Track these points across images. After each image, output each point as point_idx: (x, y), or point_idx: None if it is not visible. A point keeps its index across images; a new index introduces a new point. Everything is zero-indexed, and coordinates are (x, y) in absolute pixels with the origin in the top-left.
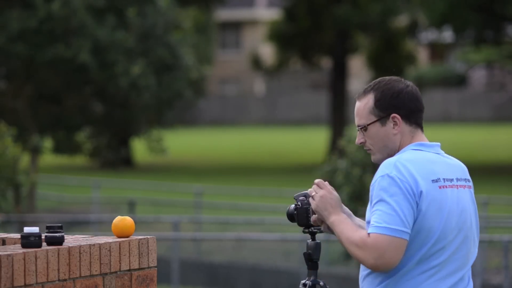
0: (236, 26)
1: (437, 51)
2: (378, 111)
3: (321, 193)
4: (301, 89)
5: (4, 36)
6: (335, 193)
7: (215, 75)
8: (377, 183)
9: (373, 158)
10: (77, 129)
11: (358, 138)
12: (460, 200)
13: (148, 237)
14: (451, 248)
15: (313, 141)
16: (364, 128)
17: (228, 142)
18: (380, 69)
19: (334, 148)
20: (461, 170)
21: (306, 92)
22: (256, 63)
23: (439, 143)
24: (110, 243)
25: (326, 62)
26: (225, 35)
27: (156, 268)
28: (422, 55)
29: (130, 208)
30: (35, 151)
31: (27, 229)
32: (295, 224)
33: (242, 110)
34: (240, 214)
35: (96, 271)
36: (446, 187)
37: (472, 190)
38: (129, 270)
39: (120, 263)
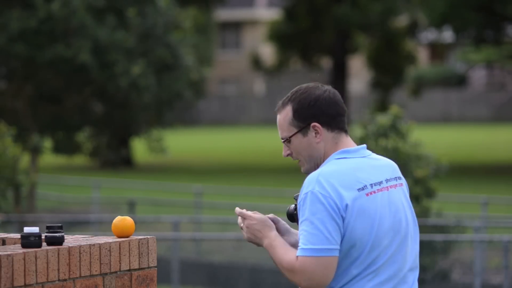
0: (236, 26)
1: (437, 51)
2: (298, 122)
3: (245, 223)
4: None
5: (4, 36)
6: (257, 216)
7: (215, 75)
8: (302, 201)
9: (303, 169)
10: (77, 129)
11: (284, 151)
12: (393, 201)
13: (148, 237)
14: (387, 253)
15: None
16: (287, 141)
17: (228, 142)
18: (380, 69)
19: None
20: (390, 169)
21: None
22: (256, 63)
23: (364, 145)
24: (110, 243)
25: (326, 62)
26: (225, 35)
27: (156, 268)
28: (422, 55)
29: (130, 208)
30: (35, 151)
31: (27, 229)
32: (295, 224)
33: (242, 110)
34: None
35: (96, 271)
36: (374, 192)
37: (404, 187)
38: (129, 270)
39: (120, 263)
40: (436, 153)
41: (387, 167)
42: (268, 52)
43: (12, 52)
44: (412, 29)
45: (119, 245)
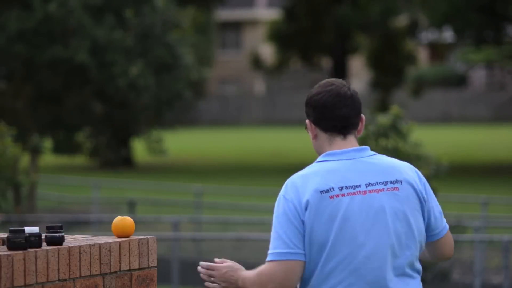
0: (236, 26)
1: (437, 51)
2: (306, 115)
3: (216, 275)
4: (301, 89)
5: (3, 37)
6: (224, 264)
7: (215, 75)
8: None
9: None
10: (77, 129)
11: None
12: (371, 206)
13: (148, 237)
14: (356, 259)
15: None
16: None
17: (228, 142)
18: (380, 69)
19: None
20: (382, 173)
21: (306, 92)
22: (256, 63)
23: (362, 147)
24: (110, 243)
25: (326, 62)
26: (225, 35)
27: (156, 268)
28: (422, 55)
29: (130, 208)
30: (35, 151)
31: (27, 229)
32: None
33: (242, 110)
34: (240, 214)
35: (96, 271)
36: (343, 195)
37: (397, 192)
38: (129, 270)
39: (120, 263)
40: (436, 153)
41: (379, 170)
42: (268, 52)
43: (12, 52)
44: (412, 29)
45: (119, 245)
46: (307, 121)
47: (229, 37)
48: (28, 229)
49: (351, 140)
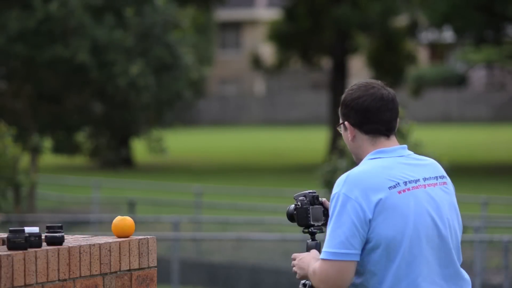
0: (236, 26)
1: (437, 51)
2: (340, 116)
3: (296, 266)
4: (301, 89)
5: (3, 37)
6: (305, 253)
7: (215, 75)
8: (330, 202)
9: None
10: (77, 129)
11: None
12: (433, 198)
13: (148, 237)
14: (426, 251)
15: (313, 141)
16: (339, 127)
17: (228, 142)
18: (380, 69)
19: (334, 148)
20: (431, 168)
21: (306, 92)
22: (256, 63)
23: (404, 146)
24: (110, 243)
25: (326, 62)
26: (225, 35)
27: (156, 268)
28: (422, 55)
29: (130, 208)
30: (35, 151)
31: (27, 229)
32: (295, 224)
33: (242, 110)
34: (240, 214)
35: (96, 271)
36: (408, 189)
37: (446, 186)
38: (129, 270)
39: (120, 263)
40: (436, 153)
41: (427, 166)
42: (268, 52)
43: (12, 52)
44: (412, 29)
45: (119, 245)
46: (345, 122)
47: (229, 37)
48: (28, 229)
49: (393, 139)
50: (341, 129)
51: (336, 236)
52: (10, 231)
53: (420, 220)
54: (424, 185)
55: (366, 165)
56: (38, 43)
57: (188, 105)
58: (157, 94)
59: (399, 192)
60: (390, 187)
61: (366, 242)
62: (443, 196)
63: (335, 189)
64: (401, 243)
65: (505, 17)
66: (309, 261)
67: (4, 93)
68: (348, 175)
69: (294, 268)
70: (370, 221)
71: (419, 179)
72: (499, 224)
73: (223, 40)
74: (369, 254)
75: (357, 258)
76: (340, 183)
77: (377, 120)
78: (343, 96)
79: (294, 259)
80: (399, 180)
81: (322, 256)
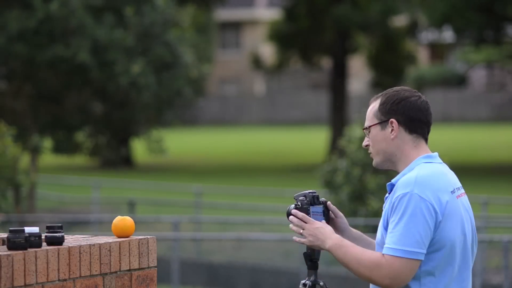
0: (236, 26)
1: (437, 51)
2: (380, 115)
3: (306, 227)
4: (301, 89)
5: (3, 36)
6: (315, 221)
7: (215, 75)
8: (397, 201)
9: (374, 162)
10: (77, 129)
11: (365, 141)
12: (468, 206)
13: (148, 237)
14: (469, 254)
15: (313, 141)
16: (367, 130)
17: (228, 142)
18: (380, 69)
19: (334, 148)
20: (457, 178)
21: (306, 92)
22: (256, 63)
23: (437, 153)
24: (110, 243)
25: (326, 62)
26: (225, 35)
27: (156, 268)
28: (422, 55)
29: (130, 208)
30: (35, 151)
31: (27, 229)
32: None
33: (242, 110)
34: (240, 214)
35: (96, 271)
36: (460, 196)
37: (466, 196)
38: (129, 270)
39: (120, 263)
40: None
41: (454, 175)
42: (268, 52)
43: (12, 52)
44: (412, 29)
45: (119, 245)
46: (391, 120)
47: (229, 37)
48: (28, 229)
49: (427, 146)
50: (370, 132)
51: (411, 235)
52: (10, 231)
53: (467, 227)
54: (462, 193)
55: (428, 168)
56: (39, 43)
57: (188, 105)
58: (157, 92)
59: (457, 197)
60: (451, 191)
61: (430, 242)
62: (469, 206)
63: (405, 189)
64: (458, 247)
65: (505, 17)
66: (329, 235)
67: (4, 93)
68: (417, 176)
69: (302, 231)
70: (440, 222)
71: (460, 187)
72: (499, 224)
73: (223, 40)
74: (431, 254)
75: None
76: (410, 182)
77: (426, 120)
78: (386, 96)
79: (304, 220)
80: (454, 186)
81: (396, 253)
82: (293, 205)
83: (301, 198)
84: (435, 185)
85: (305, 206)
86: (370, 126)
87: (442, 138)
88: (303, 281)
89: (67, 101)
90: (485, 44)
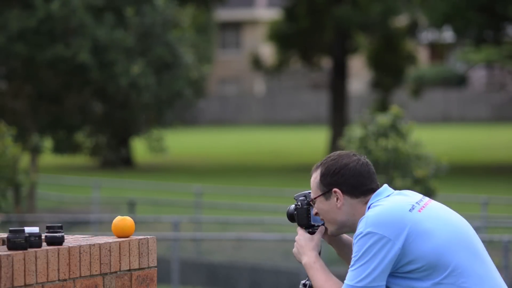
0: (236, 26)
1: (437, 51)
2: (322, 186)
3: (296, 241)
4: (301, 89)
5: (4, 36)
6: (307, 234)
7: (215, 75)
8: (355, 239)
9: (329, 231)
10: (77, 129)
11: (314, 210)
12: (439, 206)
13: (148, 237)
14: (473, 246)
15: (313, 141)
16: (312, 201)
17: (228, 142)
18: (380, 69)
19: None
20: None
21: (306, 92)
22: (256, 63)
23: (385, 184)
24: (110, 243)
25: (326, 62)
26: (225, 35)
27: (156, 268)
28: (422, 55)
29: (130, 208)
30: (35, 151)
31: (27, 229)
32: (295, 224)
33: (242, 110)
34: (240, 214)
35: (96, 271)
36: (423, 207)
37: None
38: (129, 270)
39: (120, 263)
40: (436, 153)
41: (411, 192)
42: (268, 52)
43: (12, 52)
44: (412, 29)
45: (119, 245)
46: (335, 190)
47: (229, 37)
48: (28, 229)
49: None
50: (317, 202)
51: (368, 272)
52: (10, 231)
53: (451, 224)
54: (427, 202)
55: (377, 206)
56: (39, 43)
57: (188, 105)
58: (157, 93)
59: (420, 211)
60: (409, 210)
61: (410, 262)
62: (443, 206)
63: (361, 227)
64: (446, 252)
65: (505, 17)
66: (306, 251)
67: (4, 93)
68: (367, 216)
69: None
70: (408, 245)
71: (420, 199)
72: (499, 224)
73: (223, 40)
74: (421, 272)
75: None
76: (365, 221)
77: (369, 182)
78: (325, 167)
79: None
80: (411, 203)
81: (354, 283)
82: (293, 205)
83: (301, 198)
84: (389, 217)
85: (305, 206)
86: (314, 198)
87: (442, 138)
88: (303, 281)
89: (67, 101)
90: (485, 44)
